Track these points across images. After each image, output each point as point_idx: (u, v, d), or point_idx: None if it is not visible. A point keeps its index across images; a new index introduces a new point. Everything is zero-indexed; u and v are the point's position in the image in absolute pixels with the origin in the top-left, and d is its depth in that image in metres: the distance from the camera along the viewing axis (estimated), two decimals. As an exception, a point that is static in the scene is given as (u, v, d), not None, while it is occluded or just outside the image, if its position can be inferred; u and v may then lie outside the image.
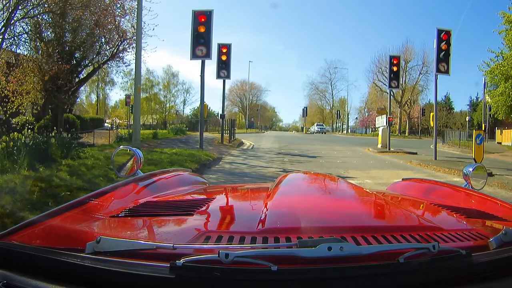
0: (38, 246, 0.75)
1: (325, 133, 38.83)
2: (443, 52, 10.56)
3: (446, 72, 10.70)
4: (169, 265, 0.64)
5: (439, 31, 10.63)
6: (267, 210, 0.97)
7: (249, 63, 54.88)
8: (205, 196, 1.31)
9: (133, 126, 9.87)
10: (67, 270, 0.69)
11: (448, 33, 10.64)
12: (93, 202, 1.09)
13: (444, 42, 10.56)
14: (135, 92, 9.38)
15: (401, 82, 38.58)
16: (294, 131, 50.81)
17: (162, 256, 0.69)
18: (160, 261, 0.67)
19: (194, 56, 10.64)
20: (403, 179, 1.87)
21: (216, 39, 13.74)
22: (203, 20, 10.46)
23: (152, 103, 40.56)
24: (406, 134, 36.03)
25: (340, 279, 0.67)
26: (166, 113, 41.17)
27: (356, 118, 48.08)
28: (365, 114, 45.16)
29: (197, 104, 40.99)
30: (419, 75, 39.33)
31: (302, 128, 45.35)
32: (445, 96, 40.22)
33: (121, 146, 1.54)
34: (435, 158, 10.88)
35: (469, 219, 1.05)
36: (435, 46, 10.74)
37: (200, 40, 10.51)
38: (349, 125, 46.85)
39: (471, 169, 1.43)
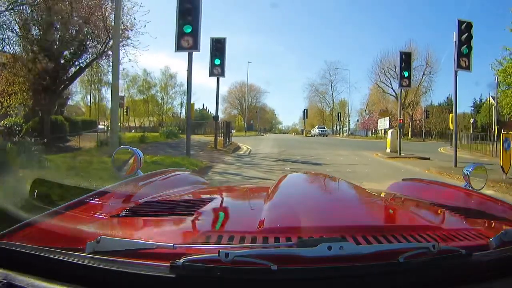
0: (38, 246, 0.75)
1: (326, 136, 37.79)
2: (465, 45, 9.34)
3: (467, 68, 9.47)
4: (169, 264, 0.64)
5: (460, 22, 9.25)
6: (267, 210, 0.98)
7: (248, 64, 53.04)
8: (205, 196, 1.31)
9: (110, 129, 8.77)
10: (67, 269, 0.69)
11: (469, 24, 9.30)
12: (93, 202, 1.09)
13: (465, 35, 9.21)
14: (112, 90, 8.53)
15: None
16: (293, 133, 49.87)
17: (162, 256, 0.69)
18: (160, 261, 0.67)
19: (179, 48, 9.03)
20: (403, 179, 1.87)
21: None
22: (188, 5, 8.99)
23: (149, 105, 39.59)
24: (409, 136, 35.07)
25: (340, 278, 0.67)
26: (163, 115, 40.05)
27: (357, 120, 47.09)
28: (365, 116, 44.65)
29: (195, 106, 40.05)
30: (422, 76, 38.03)
31: (302, 131, 44.29)
32: (447, 97, 39.41)
33: (121, 146, 1.55)
34: (455, 165, 9.54)
35: (469, 219, 1.05)
36: (454, 39, 9.34)
37: (186, 29, 9.09)
38: (349, 127, 46.02)
39: (471, 169, 1.44)
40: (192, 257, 0.65)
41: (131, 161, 1.47)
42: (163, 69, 41.18)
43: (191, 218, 0.96)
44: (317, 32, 72.66)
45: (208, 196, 1.31)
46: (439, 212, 1.17)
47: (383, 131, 35.34)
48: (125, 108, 27.88)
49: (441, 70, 38.18)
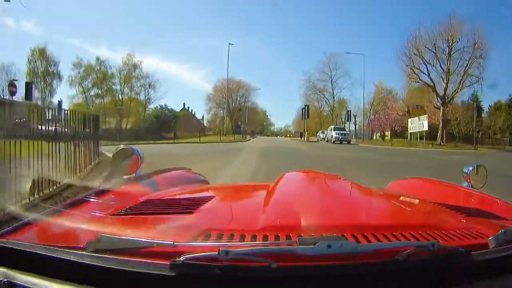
0: (38, 245, 0.75)
1: (349, 143, 26.81)
2: None
3: None
4: (169, 262, 0.65)
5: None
6: (267, 208, 0.98)
7: (229, 46, 39.60)
8: (205, 194, 1.32)
9: None
10: (68, 268, 0.69)
11: None
12: (93, 200, 1.10)
13: None
14: None
15: (445, 68, 28.45)
16: (289, 136, 45.58)
17: (162, 254, 0.69)
18: (160, 259, 0.67)
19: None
20: (403, 179, 1.87)
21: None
22: None
23: (106, 101, 31.26)
24: (443, 141, 27.62)
25: (339, 276, 0.67)
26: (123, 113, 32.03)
27: (369, 120, 40.10)
28: (370, 117, 40.10)
29: (162, 101, 33.44)
30: (468, 61, 28.04)
31: (301, 134, 35.35)
32: (472, 94, 31.33)
33: (121, 146, 1.57)
34: None
35: (469, 217, 1.06)
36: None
37: None
38: (356, 129, 39.12)
39: (471, 169, 1.44)
40: (192, 255, 0.66)
41: (131, 160, 1.48)
42: (124, 57, 33.90)
43: (191, 216, 0.96)
44: (311, 31, 69.85)
45: (208, 194, 1.31)
46: (438, 210, 1.17)
47: (411, 134, 26.24)
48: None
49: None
